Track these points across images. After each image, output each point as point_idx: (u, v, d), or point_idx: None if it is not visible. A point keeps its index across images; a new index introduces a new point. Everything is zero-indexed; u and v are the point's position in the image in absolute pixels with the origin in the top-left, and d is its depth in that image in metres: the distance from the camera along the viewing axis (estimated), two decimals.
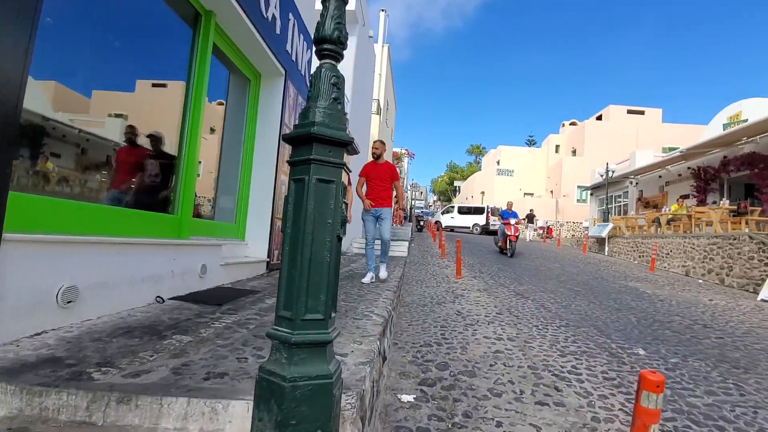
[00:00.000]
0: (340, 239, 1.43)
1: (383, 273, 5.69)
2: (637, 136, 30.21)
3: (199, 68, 3.91)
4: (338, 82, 1.44)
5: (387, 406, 2.74)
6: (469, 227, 28.30)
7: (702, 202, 14.57)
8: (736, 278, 9.98)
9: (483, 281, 7.92)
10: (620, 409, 2.84)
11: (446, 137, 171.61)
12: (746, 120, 13.27)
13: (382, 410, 2.67)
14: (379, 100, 19.42)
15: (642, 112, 32.26)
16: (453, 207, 30.72)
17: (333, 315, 1.41)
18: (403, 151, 37.89)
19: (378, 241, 5.70)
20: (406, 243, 12.55)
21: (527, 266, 10.92)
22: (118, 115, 3.53)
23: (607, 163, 18.77)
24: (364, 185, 5.69)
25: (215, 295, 3.52)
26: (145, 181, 3.40)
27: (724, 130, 14.45)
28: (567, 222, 29.57)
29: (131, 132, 3.05)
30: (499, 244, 13.36)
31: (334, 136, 1.36)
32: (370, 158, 5.85)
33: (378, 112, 19.12)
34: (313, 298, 1.31)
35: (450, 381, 3.15)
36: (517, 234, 12.47)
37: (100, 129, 3.09)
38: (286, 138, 1.41)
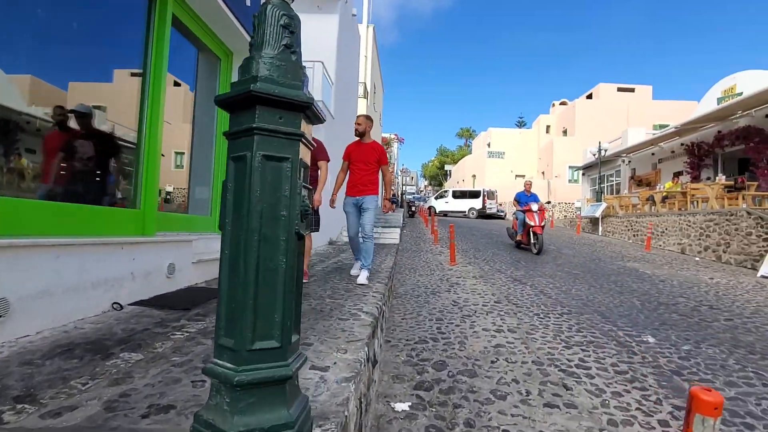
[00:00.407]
0: (301, 237, 1.06)
1: (363, 278, 4.37)
2: (627, 114, 29.98)
3: (157, 44, 3.46)
4: (291, 24, 1.06)
5: (379, 417, 2.43)
6: (464, 212, 27.78)
7: (696, 179, 14.40)
8: (733, 255, 9.84)
9: (478, 267, 7.63)
10: (638, 409, 2.56)
11: (436, 121, 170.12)
12: (741, 93, 13.02)
13: (374, 423, 2.36)
14: (365, 83, 18.84)
15: (632, 90, 32.00)
16: (447, 191, 29.98)
17: (295, 338, 1.05)
18: (393, 137, 37.29)
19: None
20: (398, 230, 12.23)
21: (522, 249, 10.67)
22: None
23: (600, 142, 18.50)
24: (347, 171, 4.79)
25: (184, 298, 3.15)
26: (87, 170, 2.98)
27: (718, 104, 14.21)
28: (559, 203, 29.42)
29: (61, 114, 2.61)
30: (518, 237, 10.40)
31: (284, 96, 0.98)
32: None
33: (365, 96, 18.56)
34: (263, 320, 0.95)
35: (449, 383, 2.85)
36: (543, 224, 9.70)
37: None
38: (219, 101, 1.03)
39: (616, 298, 5.49)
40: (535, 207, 9.85)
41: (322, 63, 8.77)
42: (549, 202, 27.52)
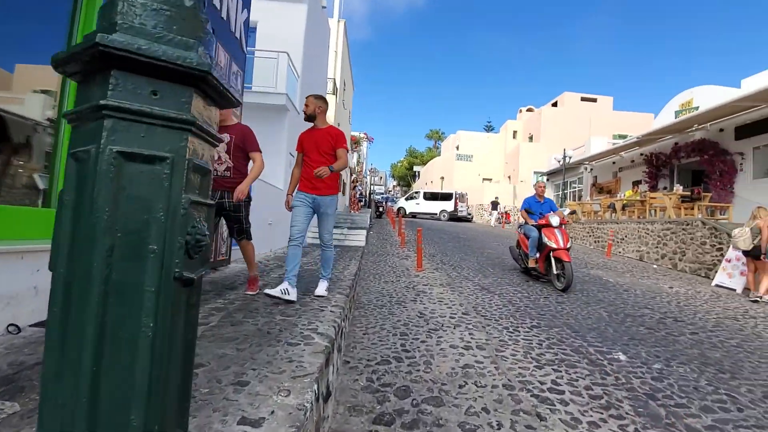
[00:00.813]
0: (189, 282, 0.69)
1: (322, 289, 3.90)
2: (590, 124, 31.01)
3: (85, 17, 2.95)
4: None
5: None
6: (435, 213, 27.46)
7: (654, 188, 14.92)
8: (688, 263, 10.14)
9: (445, 274, 7.40)
10: None
11: (406, 122, 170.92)
12: (697, 107, 13.59)
13: None
14: (335, 79, 18.37)
15: (594, 100, 33.16)
16: (418, 192, 29.53)
17: None
18: (362, 135, 36.88)
19: (322, 245, 4.03)
20: (364, 231, 11.88)
21: (489, 254, 10.59)
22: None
23: (564, 149, 18.92)
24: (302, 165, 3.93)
25: None
26: None
27: (676, 117, 14.78)
28: None
29: None
30: (530, 262, 7.12)
31: (160, 57, 0.61)
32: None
33: (334, 93, 18.09)
34: (108, 427, 0.57)
35: (413, 414, 2.53)
36: (569, 246, 6.57)
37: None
38: (57, 61, 0.64)
39: (584, 309, 5.38)
40: (555, 221, 6.77)
41: (288, 54, 8.28)
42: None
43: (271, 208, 8.02)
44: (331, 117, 17.81)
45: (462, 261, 9.15)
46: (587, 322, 4.73)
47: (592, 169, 19.42)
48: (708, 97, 13.28)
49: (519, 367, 3.31)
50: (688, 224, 10.37)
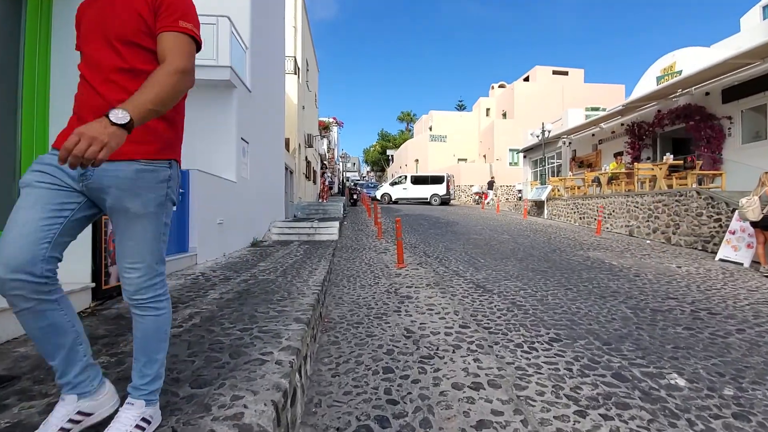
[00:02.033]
0: None
1: (126, 424, 1.34)
2: (563, 97, 30.51)
3: None
4: None
5: None
6: (426, 198, 25.76)
7: (636, 159, 14.34)
8: (683, 236, 9.53)
9: (432, 269, 6.39)
10: None
11: (376, 105, 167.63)
12: (680, 72, 12.96)
13: None
14: (295, 57, 16.85)
15: (566, 73, 32.62)
16: (405, 176, 27.02)
17: None
18: (331, 120, 35.29)
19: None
20: (337, 223, 10.73)
21: (476, 241, 9.66)
22: None
23: (543, 123, 18.16)
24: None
25: None
26: None
27: (657, 83, 14.15)
28: (501, 186, 29.47)
29: None
30: None
31: None
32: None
33: (296, 72, 16.60)
34: None
35: None
36: None
37: None
38: None
39: (602, 306, 4.47)
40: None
41: (229, 19, 6.91)
42: (482, 187, 27.29)
43: (220, 203, 6.76)
44: (294, 98, 16.38)
45: (448, 251, 8.16)
46: (614, 326, 3.81)
47: (570, 143, 18.78)
48: (691, 60, 12.65)
49: (554, 417, 2.32)
50: (681, 195, 9.73)
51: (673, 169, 11.36)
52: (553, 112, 28.93)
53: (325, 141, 33.29)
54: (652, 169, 11.06)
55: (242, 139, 7.99)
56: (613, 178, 13.28)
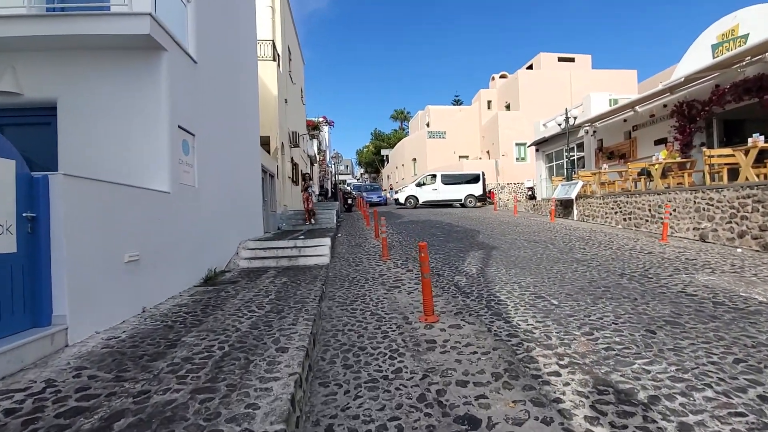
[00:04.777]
0: None
1: None
2: (570, 85, 28.23)
3: None
4: None
5: None
6: (459, 200, 22.75)
7: (687, 146, 11.94)
8: None
9: (484, 327, 3.85)
10: None
11: (368, 104, 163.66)
12: (746, 36, 10.60)
13: None
14: (274, 42, 14.31)
15: (572, 59, 30.35)
16: (434, 175, 23.46)
17: None
18: (321, 120, 32.74)
19: None
20: (328, 240, 8.18)
21: (519, 261, 7.15)
22: None
23: (566, 109, 15.72)
24: None
25: None
26: None
27: (713, 52, 11.76)
28: (508, 184, 27.06)
29: None
30: None
31: None
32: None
33: (275, 59, 14.06)
34: None
35: None
36: None
37: None
38: None
39: None
40: None
41: None
42: (489, 186, 24.01)
43: (134, 228, 4.21)
44: (273, 88, 13.83)
45: (491, 283, 5.65)
46: None
47: (595, 132, 16.37)
48: (761, 20, 10.28)
49: None
50: None
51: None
52: (562, 100, 26.60)
53: (315, 142, 30.75)
54: (733, 156, 8.65)
55: (182, 128, 5.44)
56: (669, 170, 10.85)
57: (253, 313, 4.05)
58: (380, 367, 3.04)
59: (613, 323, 3.76)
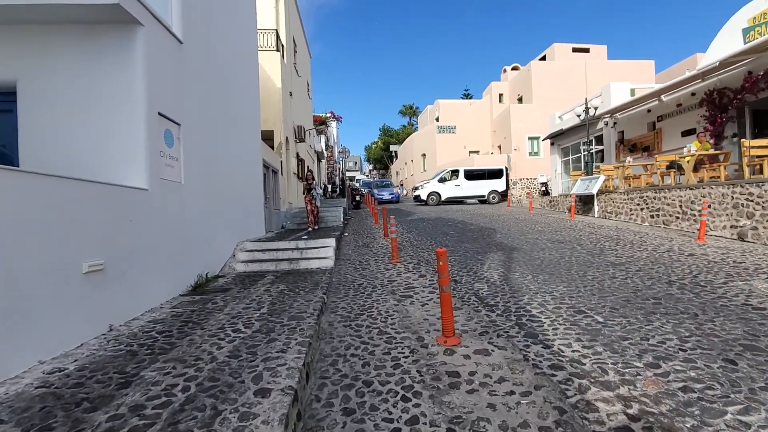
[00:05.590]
0: None
1: None
2: (585, 76, 27.15)
3: None
4: None
5: None
6: (483, 196, 21.99)
7: (718, 137, 11.04)
8: None
9: (517, 352, 3.15)
10: None
11: (377, 100, 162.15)
12: None
13: None
14: (278, 32, 13.63)
15: (587, 50, 29.20)
16: (456, 171, 22.51)
17: None
18: (328, 115, 32.05)
19: None
20: (333, 240, 7.51)
21: (545, 264, 6.41)
22: None
23: (586, 99, 14.85)
24: None
25: None
26: None
27: (744, 36, 10.83)
28: (521, 179, 26.15)
29: None
30: None
31: None
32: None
33: (278, 50, 13.38)
34: None
35: None
36: None
37: None
38: None
39: None
40: None
41: None
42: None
43: (96, 233, 3.55)
44: (277, 80, 13.17)
45: (516, 293, 4.93)
46: None
47: (615, 123, 15.46)
48: None
49: None
50: None
51: None
52: (576, 93, 25.57)
53: (323, 138, 30.11)
54: None
55: (164, 116, 4.78)
56: (703, 163, 9.98)
57: (237, 333, 3.39)
58: (390, 413, 2.35)
59: (680, 349, 3.02)
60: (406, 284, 5.33)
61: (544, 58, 29.44)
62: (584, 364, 2.86)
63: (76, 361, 2.88)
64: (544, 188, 22.49)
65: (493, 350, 3.11)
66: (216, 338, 3.28)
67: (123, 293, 3.85)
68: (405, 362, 3.01)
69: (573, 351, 3.08)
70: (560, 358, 2.98)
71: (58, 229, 3.11)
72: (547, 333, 3.47)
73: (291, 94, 15.61)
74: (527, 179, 26.34)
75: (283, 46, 14.26)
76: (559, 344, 3.22)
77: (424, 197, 22.00)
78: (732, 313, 3.76)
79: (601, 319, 3.72)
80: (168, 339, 3.30)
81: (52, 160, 4.15)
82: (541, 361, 2.94)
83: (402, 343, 3.38)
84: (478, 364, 2.89)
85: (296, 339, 3.19)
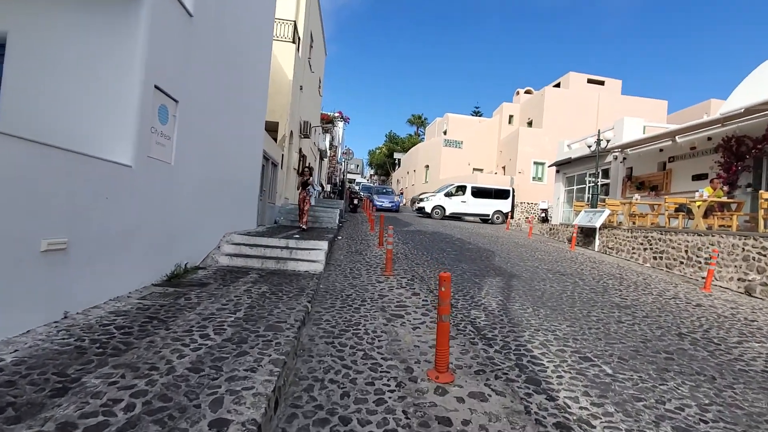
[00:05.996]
0: None
1: None
2: (598, 108, 27.09)
3: None
4: None
5: None
6: (487, 215, 21.64)
7: (732, 185, 10.81)
8: None
9: (514, 404, 2.79)
10: None
11: (386, 105, 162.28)
12: None
13: None
14: (296, 23, 13.35)
15: (602, 83, 29.20)
16: (464, 186, 21.91)
17: None
18: (336, 115, 31.75)
19: None
20: (325, 244, 7.13)
21: (547, 297, 6.07)
22: None
23: (599, 131, 14.63)
24: None
25: None
26: None
27: None
28: (521, 203, 25.93)
29: None
30: None
31: None
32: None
33: (294, 41, 13.09)
34: None
35: None
36: None
37: None
38: None
39: None
40: None
41: None
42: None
43: (63, 207, 3.16)
44: (289, 72, 12.86)
45: (517, 326, 4.58)
46: None
47: (625, 159, 15.25)
48: None
49: None
50: None
51: None
52: (587, 123, 25.49)
53: (328, 137, 29.77)
54: None
55: (160, 90, 4.42)
56: (713, 209, 9.72)
57: (205, 340, 3.01)
58: None
59: (701, 420, 2.68)
60: (397, 301, 4.96)
61: (558, 85, 29.41)
62: (594, 427, 2.50)
63: (15, 351, 2.49)
64: (543, 215, 22.24)
65: (490, 395, 2.74)
66: (180, 343, 2.89)
67: (86, 277, 3.45)
68: (390, 398, 2.64)
69: (581, 408, 2.73)
70: (566, 415, 2.63)
71: (16, 199, 2.73)
72: (551, 381, 3.12)
73: (301, 88, 15.30)
74: (528, 203, 26.13)
75: (299, 38, 13.97)
76: (565, 397, 2.87)
77: (428, 210, 21.55)
78: (752, 380, 3.42)
79: (609, 371, 3.36)
80: (126, 337, 2.91)
81: (31, 121, 3.78)
82: (545, 417, 2.58)
83: (388, 372, 3.01)
84: (473, 411, 2.52)
85: (270, 356, 2.81)
